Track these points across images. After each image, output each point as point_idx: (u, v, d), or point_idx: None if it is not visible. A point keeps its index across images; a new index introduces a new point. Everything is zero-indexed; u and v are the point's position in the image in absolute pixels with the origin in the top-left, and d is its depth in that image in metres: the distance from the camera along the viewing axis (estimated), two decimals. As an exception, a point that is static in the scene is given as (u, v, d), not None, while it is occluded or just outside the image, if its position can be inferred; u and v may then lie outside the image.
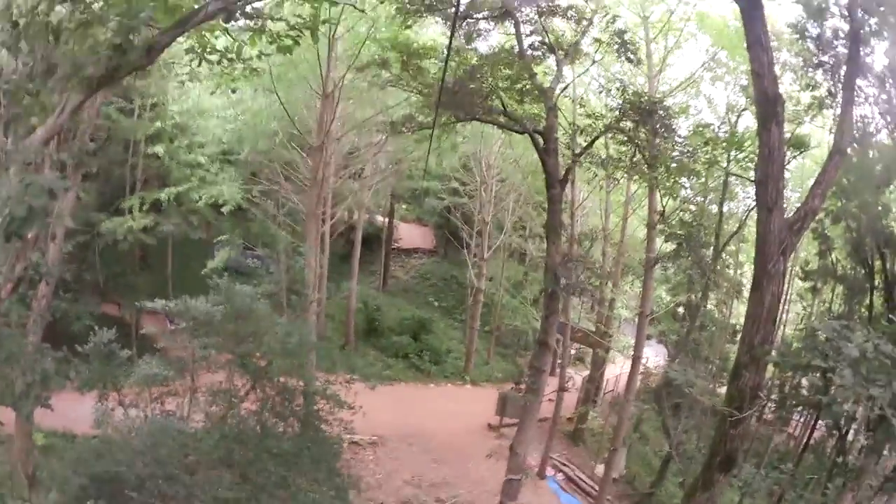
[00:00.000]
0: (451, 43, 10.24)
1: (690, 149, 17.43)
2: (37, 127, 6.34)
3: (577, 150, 17.74)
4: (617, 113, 16.54)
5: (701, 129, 20.72)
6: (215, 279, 16.08)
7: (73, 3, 6.44)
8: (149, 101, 26.96)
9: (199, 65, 6.79)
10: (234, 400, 14.90)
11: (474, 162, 37.83)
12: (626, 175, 20.01)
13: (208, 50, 6.84)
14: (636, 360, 24.63)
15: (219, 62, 6.77)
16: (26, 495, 13.44)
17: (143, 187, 28.49)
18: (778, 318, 10.05)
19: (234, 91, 25.18)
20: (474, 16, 17.75)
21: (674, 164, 17.07)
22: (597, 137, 16.95)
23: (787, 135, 20.68)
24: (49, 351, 7.84)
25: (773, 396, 21.31)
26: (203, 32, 6.86)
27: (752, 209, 26.75)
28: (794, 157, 22.81)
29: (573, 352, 39.55)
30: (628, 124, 16.21)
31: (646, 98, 16.90)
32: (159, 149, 26.38)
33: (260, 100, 25.15)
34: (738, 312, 37.28)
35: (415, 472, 24.55)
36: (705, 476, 10.05)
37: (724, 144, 19.96)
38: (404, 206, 54.77)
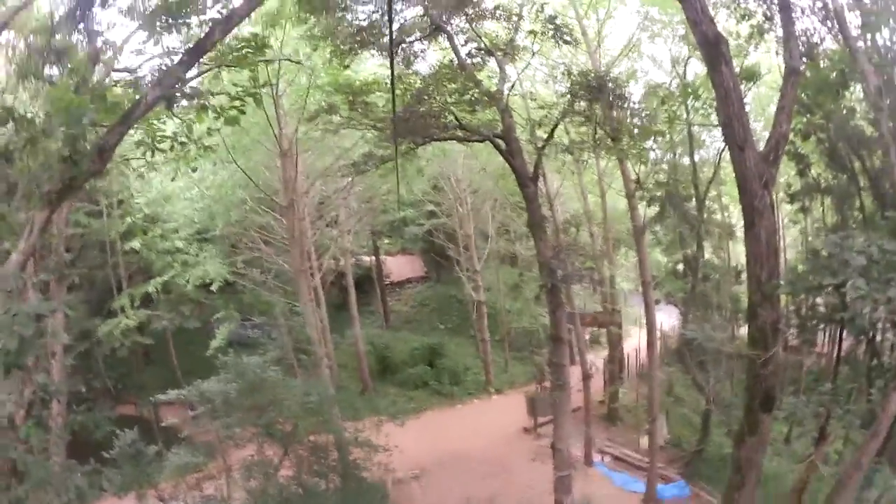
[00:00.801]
0: (392, 71, 10.27)
1: (648, 112, 17.50)
2: (9, 250, 6.35)
3: (540, 144, 17.78)
4: (568, 97, 16.60)
5: (653, 88, 20.86)
6: (221, 357, 16.09)
7: (16, 122, 6.46)
8: (115, 198, 26.94)
9: (153, 155, 6.82)
10: (270, 470, 14.85)
11: (443, 181, 37.92)
12: (593, 154, 20.08)
13: (158, 139, 6.87)
14: (650, 327, 24.56)
15: (171, 148, 6.81)
16: None
17: (128, 284, 28.51)
18: (777, 249, 10.08)
19: (194, 170, 25.37)
20: (407, 40, 17.84)
21: (636, 132, 17.13)
22: (555, 126, 16.97)
23: (737, 69, 20.87)
24: (77, 466, 7.81)
25: (792, 323, 21.26)
26: (151, 122, 6.89)
27: (723, 151, 27.03)
28: (749, 88, 22.95)
29: (587, 336, 39.45)
30: (582, 105, 16.28)
31: (592, 75, 17.01)
32: (135, 243, 26.38)
33: (221, 173, 25.27)
34: (737, 252, 37.51)
35: (464, 493, 24.35)
36: (749, 420, 10.03)
37: (680, 98, 20.05)
38: (387, 241, 54.64)
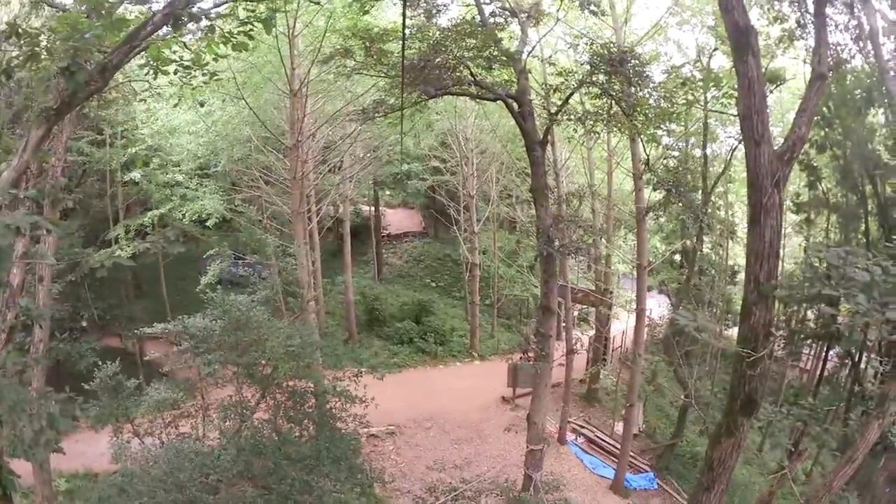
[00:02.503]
0: (404, 13, 9.92)
1: (666, 94, 17.15)
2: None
3: (553, 110, 17.48)
4: (588, 67, 16.26)
5: (675, 70, 20.48)
6: (208, 294, 15.91)
7: (19, 38, 6.19)
8: (119, 129, 26.55)
9: (156, 77, 6.55)
10: (246, 412, 14.75)
11: (451, 138, 37.56)
12: (605, 128, 19.78)
13: (163, 61, 6.58)
14: (640, 312, 24.47)
15: (175, 72, 6.52)
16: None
17: (126, 216, 28.23)
18: (779, 251, 9.92)
19: (202, 105, 25.01)
20: (430, -10, 17.41)
21: (652, 111, 16.81)
22: (572, 93, 16.67)
23: (763, 69, 20.49)
24: (52, 394, 7.66)
25: (780, 332, 21.26)
26: (157, 45, 6.59)
27: (736, 149, 26.85)
28: (771, 91, 22.65)
29: (576, 313, 39.46)
30: (601, 77, 15.94)
31: (615, 48, 16.66)
32: (135, 174, 26.04)
33: (229, 109, 24.94)
34: (734, 253, 37.45)
35: (436, 455, 24.53)
36: (728, 421, 9.93)
37: (702, 84, 19.70)
38: (388, 193, 54.48)
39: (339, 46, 19.49)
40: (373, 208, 48.50)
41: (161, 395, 15.68)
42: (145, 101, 23.39)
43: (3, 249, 5.49)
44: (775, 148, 9.55)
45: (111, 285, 29.20)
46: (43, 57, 5.93)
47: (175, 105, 21.32)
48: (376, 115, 18.24)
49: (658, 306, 37.20)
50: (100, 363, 14.83)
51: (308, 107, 24.33)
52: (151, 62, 6.17)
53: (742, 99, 9.47)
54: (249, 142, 27.36)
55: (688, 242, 29.93)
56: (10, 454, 6.60)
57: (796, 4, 14.98)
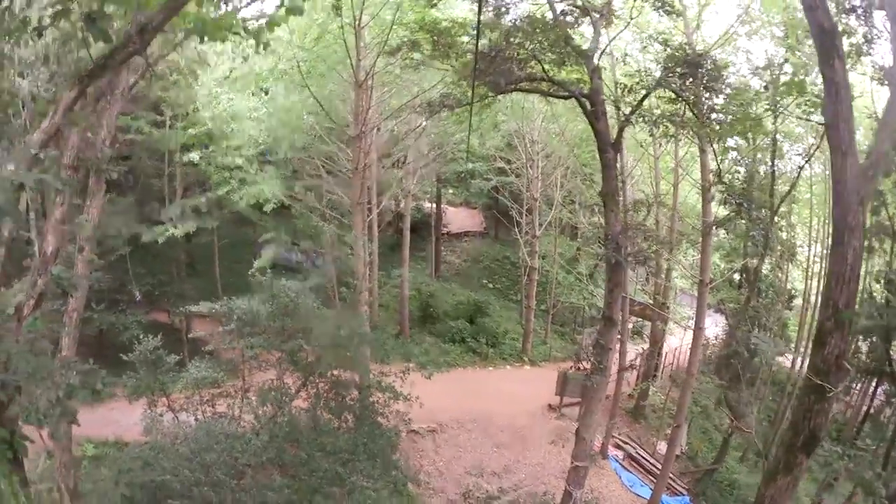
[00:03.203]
0: (480, 6, 9.58)
1: (741, 103, 16.38)
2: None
3: (626, 111, 16.87)
4: (662, 67, 15.65)
5: (758, 70, 19.58)
6: (258, 277, 15.85)
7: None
8: (180, 111, 26.85)
9: (202, 42, 6.32)
10: (285, 398, 14.61)
11: (518, 139, 37.08)
12: (675, 136, 19.11)
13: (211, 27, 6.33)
14: (698, 331, 23.48)
15: (223, 40, 6.28)
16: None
17: (183, 195, 28.51)
18: (859, 275, 9.24)
19: (265, 92, 25.06)
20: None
21: (729, 116, 16.03)
22: (648, 93, 15.93)
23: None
24: (77, 364, 7.57)
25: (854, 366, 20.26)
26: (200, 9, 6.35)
27: (803, 168, 25.85)
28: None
29: (630, 325, 38.60)
30: (676, 80, 15.32)
31: (691, 50, 16.02)
32: (194, 155, 26.28)
33: (292, 97, 25.00)
34: (792, 277, 36.16)
35: (475, 458, 24.17)
36: (787, 457, 9.25)
37: (784, 88, 18.73)
38: (451, 191, 54.29)
39: (406, 39, 19.31)
40: (434, 205, 48.29)
41: (201, 372, 15.66)
42: (200, 76, 23.56)
43: (2, 205, 5.34)
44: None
45: (164, 262, 29.70)
46: (72, 12, 5.76)
47: (227, 76, 21.30)
48: (443, 108, 17.93)
49: (715, 325, 36.14)
50: (142, 336, 14.86)
51: (373, 99, 24.20)
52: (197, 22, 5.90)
53: (829, 104, 8.81)
54: (312, 131, 27.35)
55: (749, 262, 28.85)
56: (24, 420, 6.52)
57: (862, 19, 14.13)
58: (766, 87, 18.10)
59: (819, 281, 36.41)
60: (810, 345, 34.43)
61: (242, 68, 24.40)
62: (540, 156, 36.66)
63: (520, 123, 35.46)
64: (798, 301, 36.82)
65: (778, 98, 19.18)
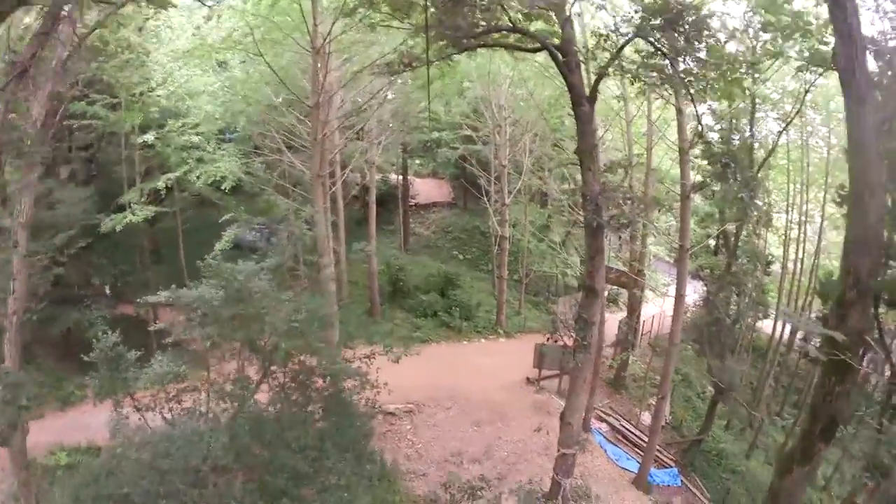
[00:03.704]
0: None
1: (726, 57, 15.26)
2: None
3: (602, 64, 15.59)
4: (641, 15, 14.36)
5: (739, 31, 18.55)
6: (209, 260, 14.65)
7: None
8: (136, 91, 25.46)
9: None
10: (246, 393, 13.48)
11: (484, 105, 35.98)
12: (658, 90, 18.00)
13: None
14: (680, 298, 22.61)
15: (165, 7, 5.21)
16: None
17: (143, 180, 27.15)
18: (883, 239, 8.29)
19: (220, 65, 23.76)
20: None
21: (711, 73, 14.85)
22: (627, 41, 14.65)
23: (806, 53, 18.64)
24: (5, 376, 6.54)
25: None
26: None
27: (781, 133, 25.19)
28: (820, 74, 20.80)
29: (605, 293, 37.89)
30: (653, 33, 14.10)
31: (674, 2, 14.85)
32: (149, 136, 24.94)
33: (248, 69, 23.85)
34: (769, 242, 35.88)
35: (455, 438, 23.31)
36: (804, 445, 8.33)
37: (787, 30, 17.59)
38: (417, 161, 53.37)
39: (363, -3, 18.02)
40: (401, 177, 47.22)
41: (164, 367, 14.43)
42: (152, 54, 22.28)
43: None
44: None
45: (127, 251, 28.64)
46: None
47: (185, 54, 20.15)
48: (403, 68, 16.63)
49: (694, 292, 35.76)
50: (106, 332, 13.63)
51: (331, 65, 22.98)
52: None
53: (842, 50, 7.82)
54: (270, 103, 26.08)
55: (728, 227, 28.12)
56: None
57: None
58: (763, 29, 16.98)
59: (797, 247, 36.24)
60: (791, 308, 34.27)
61: (194, 41, 23.04)
62: (508, 122, 35.64)
63: (486, 89, 34.35)
64: (776, 267, 36.51)
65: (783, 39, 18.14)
